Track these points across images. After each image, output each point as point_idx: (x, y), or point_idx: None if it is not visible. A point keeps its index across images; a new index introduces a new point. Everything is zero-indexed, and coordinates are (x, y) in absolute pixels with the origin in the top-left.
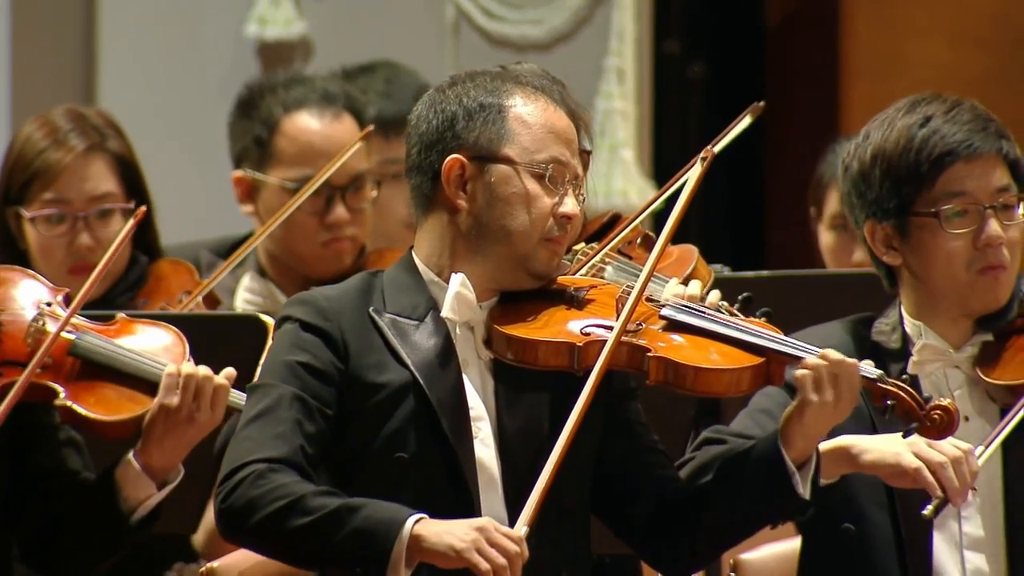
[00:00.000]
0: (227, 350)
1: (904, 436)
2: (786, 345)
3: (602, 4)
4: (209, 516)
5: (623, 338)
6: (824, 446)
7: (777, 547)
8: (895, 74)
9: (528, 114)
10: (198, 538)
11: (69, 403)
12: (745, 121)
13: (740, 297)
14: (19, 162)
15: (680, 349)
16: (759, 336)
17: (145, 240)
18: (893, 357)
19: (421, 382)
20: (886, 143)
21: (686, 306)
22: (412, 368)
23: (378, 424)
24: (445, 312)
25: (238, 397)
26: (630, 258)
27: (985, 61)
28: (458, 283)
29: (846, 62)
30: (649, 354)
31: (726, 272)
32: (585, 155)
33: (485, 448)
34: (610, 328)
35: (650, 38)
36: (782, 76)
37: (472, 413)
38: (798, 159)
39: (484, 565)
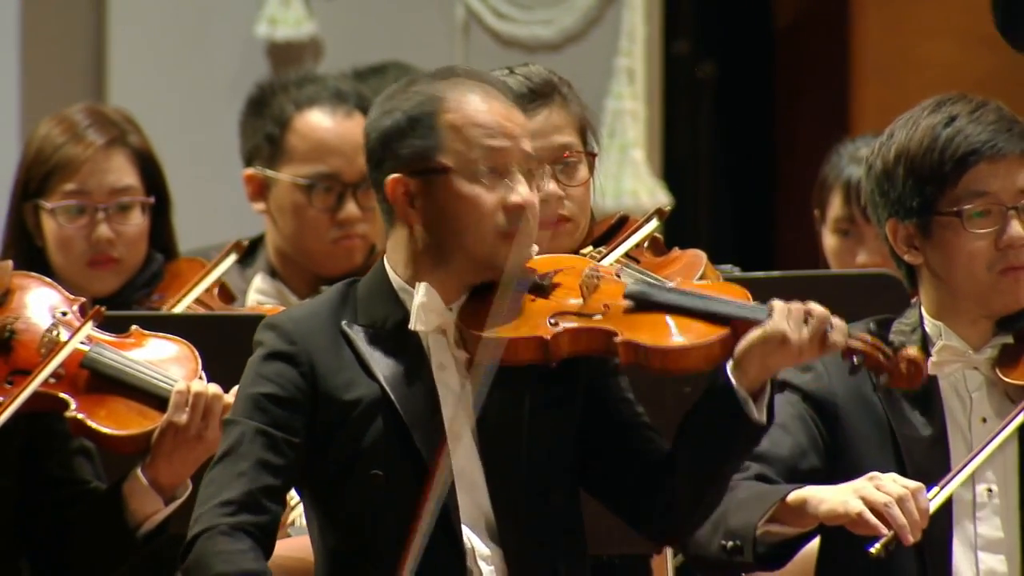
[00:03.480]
0: (237, 350)
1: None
2: (751, 310)
3: (612, 4)
4: None
5: (588, 324)
6: (791, 497)
7: None
8: (905, 74)
9: (458, 117)
10: None
11: (80, 415)
12: (652, 224)
13: None
14: (38, 157)
15: (646, 329)
16: (724, 304)
17: (162, 238)
18: None
19: (392, 397)
20: (910, 142)
21: (648, 283)
22: (383, 383)
23: (353, 442)
24: (412, 324)
25: None
26: (638, 262)
27: (994, 61)
28: (422, 294)
29: (856, 62)
30: (616, 339)
31: (736, 272)
32: (590, 157)
33: (463, 451)
34: (578, 315)
35: (660, 38)
36: (792, 76)
37: (448, 420)
38: (807, 159)
39: None
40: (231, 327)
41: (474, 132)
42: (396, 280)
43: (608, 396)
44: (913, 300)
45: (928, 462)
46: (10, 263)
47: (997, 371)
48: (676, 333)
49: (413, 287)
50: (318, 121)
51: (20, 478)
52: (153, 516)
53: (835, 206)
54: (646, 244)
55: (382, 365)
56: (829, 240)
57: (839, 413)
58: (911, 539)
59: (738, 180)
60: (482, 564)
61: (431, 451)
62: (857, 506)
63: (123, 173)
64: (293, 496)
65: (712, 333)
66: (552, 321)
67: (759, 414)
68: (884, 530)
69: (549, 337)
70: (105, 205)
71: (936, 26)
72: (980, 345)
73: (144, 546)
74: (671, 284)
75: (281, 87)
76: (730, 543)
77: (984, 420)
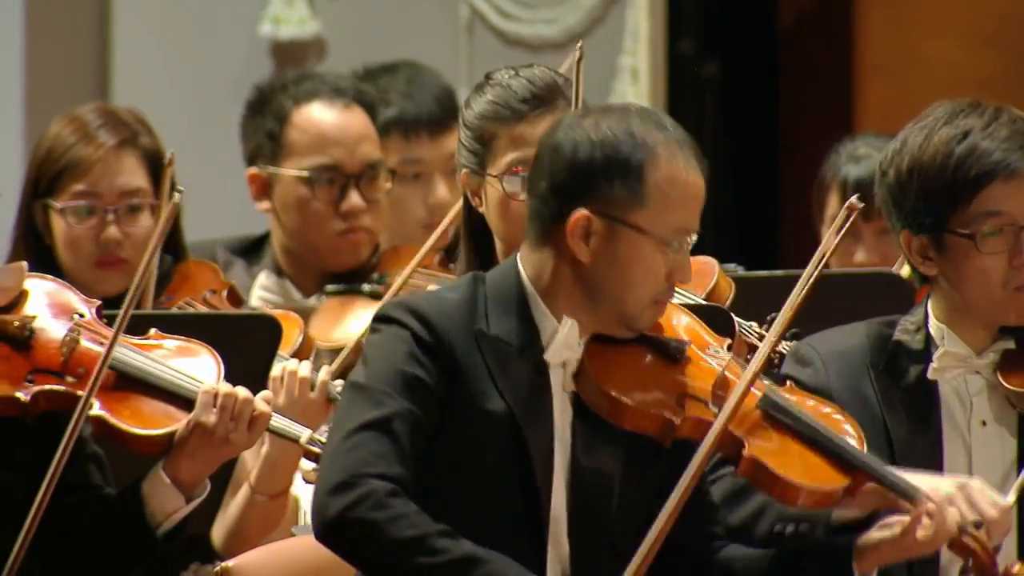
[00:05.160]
0: (241, 349)
1: None
2: (885, 473)
3: (616, 3)
4: (228, 512)
5: (719, 423)
6: None
7: None
8: (909, 74)
9: (666, 179)
10: (217, 534)
11: (103, 414)
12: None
13: (768, 318)
14: (49, 156)
15: (773, 451)
16: (855, 453)
17: (171, 240)
18: (914, 358)
19: (518, 420)
20: (923, 156)
21: (783, 399)
22: (511, 404)
23: (469, 453)
24: (549, 356)
25: (277, 422)
26: None
27: (998, 60)
28: (566, 330)
29: (860, 62)
30: (743, 451)
31: (740, 271)
32: None
33: (554, 493)
34: (706, 403)
35: (664, 38)
36: (796, 76)
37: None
38: (811, 158)
39: None
40: (235, 327)
41: (675, 202)
42: (532, 293)
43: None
44: (919, 300)
45: (920, 463)
46: (25, 264)
47: (998, 376)
48: (802, 467)
49: (546, 303)
50: (318, 114)
51: (33, 480)
52: (173, 515)
53: (832, 204)
54: None
55: (510, 385)
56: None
57: None
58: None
59: (742, 179)
60: None
61: (544, 482)
62: (951, 525)
63: (133, 175)
64: (299, 496)
65: (836, 481)
66: (681, 401)
67: None
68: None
69: (678, 422)
70: (115, 207)
71: (940, 26)
72: (982, 349)
73: (163, 545)
74: (796, 405)
75: (279, 86)
76: (789, 528)
77: (984, 423)
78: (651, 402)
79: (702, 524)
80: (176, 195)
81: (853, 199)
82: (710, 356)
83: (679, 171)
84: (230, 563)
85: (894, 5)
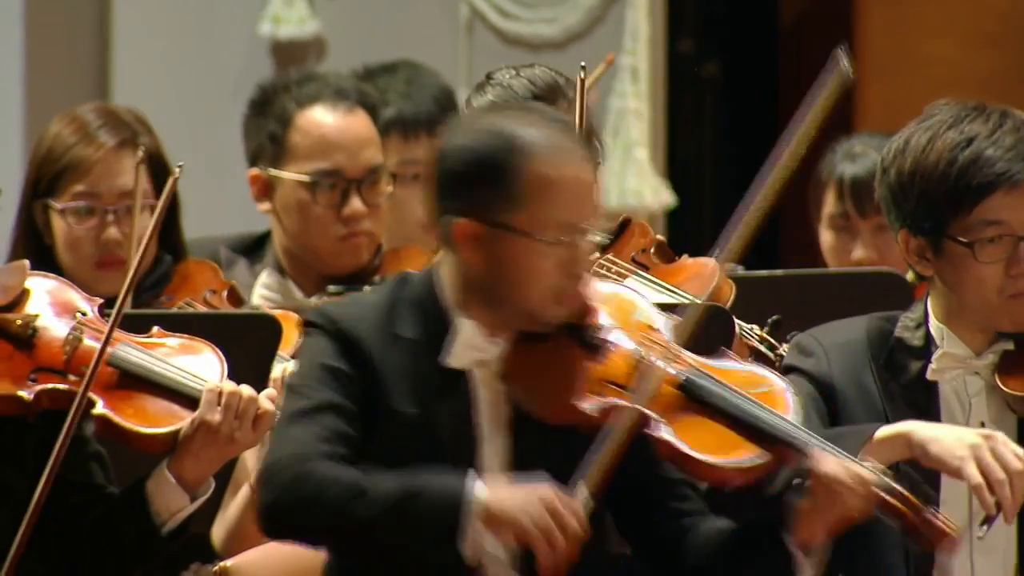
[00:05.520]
0: (241, 349)
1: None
2: (801, 440)
3: (616, 3)
4: (228, 513)
5: (635, 405)
6: (882, 432)
7: None
8: (908, 73)
9: (541, 178)
10: (217, 534)
11: (107, 413)
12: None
13: (770, 320)
14: (49, 156)
15: (691, 432)
16: (779, 427)
17: (171, 240)
18: (914, 354)
19: (428, 423)
20: (926, 160)
21: (706, 375)
22: (420, 407)
23: (386, 452)
24: (452, 360)
25: None
26: (647, 268)
27: (998, 59)
28: (466, 334)
29: (860, 61)
30: (657, 434)
31: (740, 271)
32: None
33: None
34: (623, 389)
35: (664, 37)
36: (796, 76)
37: (479, 443)
38: (811, 158)
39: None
40: (236, 326)
41: (556, 200)
42: (444, 292)
43: (647, 449)
44: (919, 296)
45: None
46: (27, 262)
47: (996, 379)
48: (720, 446)
49: (457, 303)
50: (320, 118)
51: (36, 478)
52: (177, 513)
53: (829, 203)
54: (652, 249)
55: (422, 388)
56: (825, 236)
57: (838, 398)
58: (1012, 521)
59: (742, 179)
60: None
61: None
62: (975, 477)
63: (133, 175)
64: None
65: (756, 458)
66: (601, 392)
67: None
68: (994, 508)
69: (597, 414)
70: (115, 207)
71: (939, 25)
72: (981, 349)
73: (167, 544)
74: (721, 381)
75: (283, 86)
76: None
77: (982, 424)
78: (569, 396)
79: (663, 502)
80: (176, 170)
81: None
82: (635, 338)
83: (556, 168)
84: (230, 563)
85: (894, 5)
